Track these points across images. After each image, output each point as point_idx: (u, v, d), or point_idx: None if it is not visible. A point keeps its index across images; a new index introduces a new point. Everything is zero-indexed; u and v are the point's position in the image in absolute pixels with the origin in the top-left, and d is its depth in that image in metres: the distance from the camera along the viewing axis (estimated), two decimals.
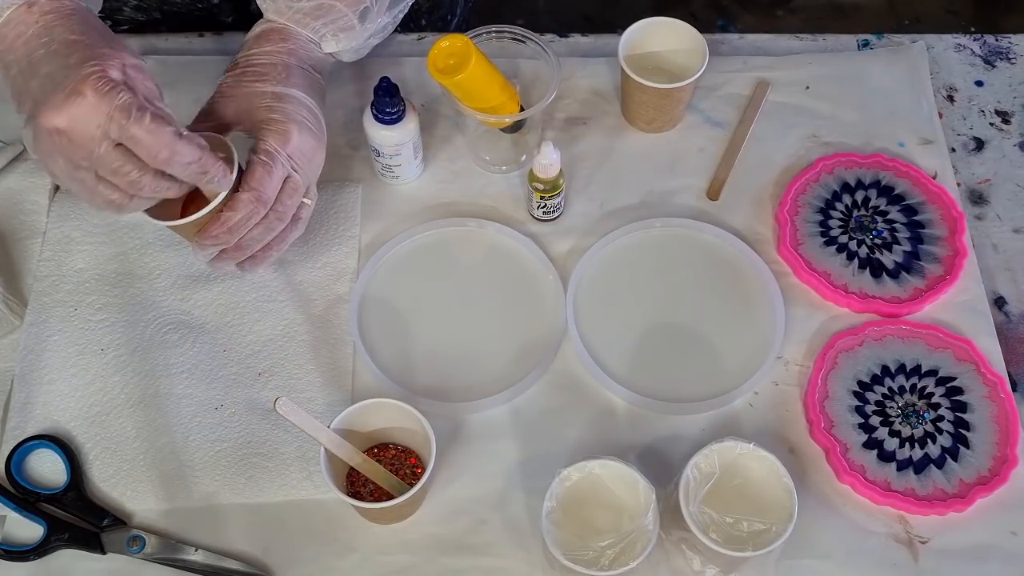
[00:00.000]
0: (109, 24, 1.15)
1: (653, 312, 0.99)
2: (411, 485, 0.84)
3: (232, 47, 1.13)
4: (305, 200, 0.90)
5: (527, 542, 0.88)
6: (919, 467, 0.90)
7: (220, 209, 0.85)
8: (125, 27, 1.16)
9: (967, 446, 0.90)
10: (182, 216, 0.86)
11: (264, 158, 0.85)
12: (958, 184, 1.06)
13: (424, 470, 0.84)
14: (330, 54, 0.96)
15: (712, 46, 1.04)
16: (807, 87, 1.11)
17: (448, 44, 0.94)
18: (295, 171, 0.87)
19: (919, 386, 0.93)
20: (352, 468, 0.87)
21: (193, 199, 0.89)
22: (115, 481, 0.90)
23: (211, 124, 0.89)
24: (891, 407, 0.92)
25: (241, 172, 0.86)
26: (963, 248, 1.00)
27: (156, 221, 0.86)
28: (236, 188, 0.85)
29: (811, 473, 0.91)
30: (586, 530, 0.84)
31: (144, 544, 0.86)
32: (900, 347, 0.95)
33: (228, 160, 0.86)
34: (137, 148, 0.77)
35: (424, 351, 0.97)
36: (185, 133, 0.79)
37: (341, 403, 0.92)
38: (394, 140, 1.00)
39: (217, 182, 0.82)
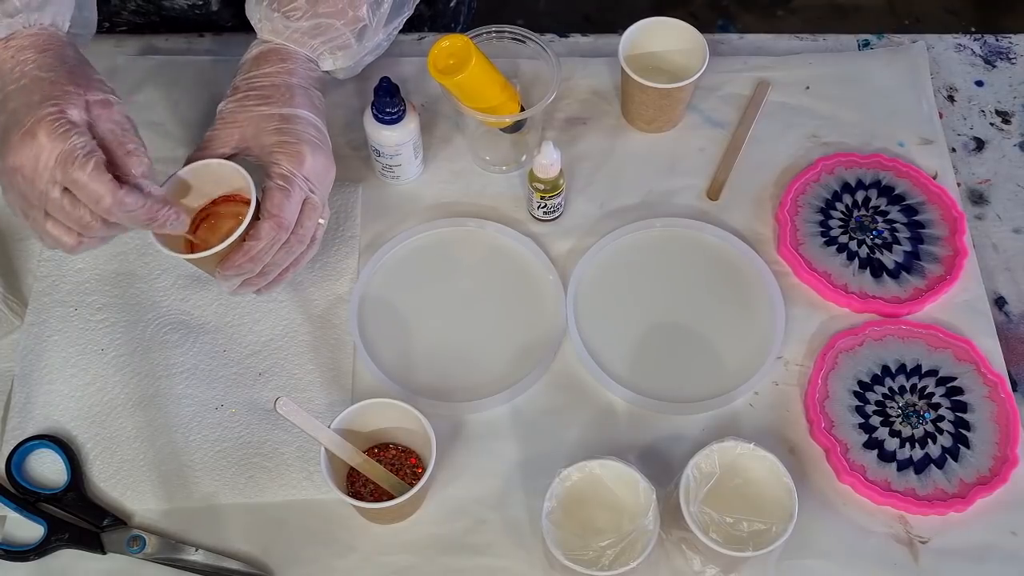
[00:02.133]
0: (107, 27, 1.15)
1: (653, 312, 0.99)
2: (411, 485, 0.84)
3: (232, 48, 1.13)
4: (319, 219, 0.90)
5: (527, 542, 0.88)
6: (919, 467, 0.90)
7: (242, 238, 0.84)
8: (123, 28, 1.15)
9: (967, 446, 0.90)
10: (195, 249, 0.86)
11: (281, 183, 0.85)
12: (958, 184, 1.06)
13: (424, 470, 0.84)
14: (326, 72, 0.95)
15: (712, 46, 1.04)
16: (807, 87, 1.11)
17: (448, 44, 0.94)
18: (312, 192, 0.87)
19: (919, 386, 0.93)
20: (352, 468, 0.87)
21: (202, 226, 0.89)
22: (115, 481, 0.90)
23: (216, 152, 0.88)
24: (891, 407, 0.92)
25: (258, 200, 0.85)
26: (963, 248, 1.00)
27: (172, 254, 0.85)
28: (256, 216, 0.85)
29: (811, 473, 0.91)
30: (586, 530, 0.84)
31: (144, 544, 0.86)
32: (900, 347, 0.95)
33: (246, 188, 0.86)
34: (79, 194, 0.77)
35: (424, 351, 0.97)
36: (138, 180, 0.80)
37: (341, 403, 0.92)
38: (394, 140, 1.00)
39: (171, 226, 0.82)
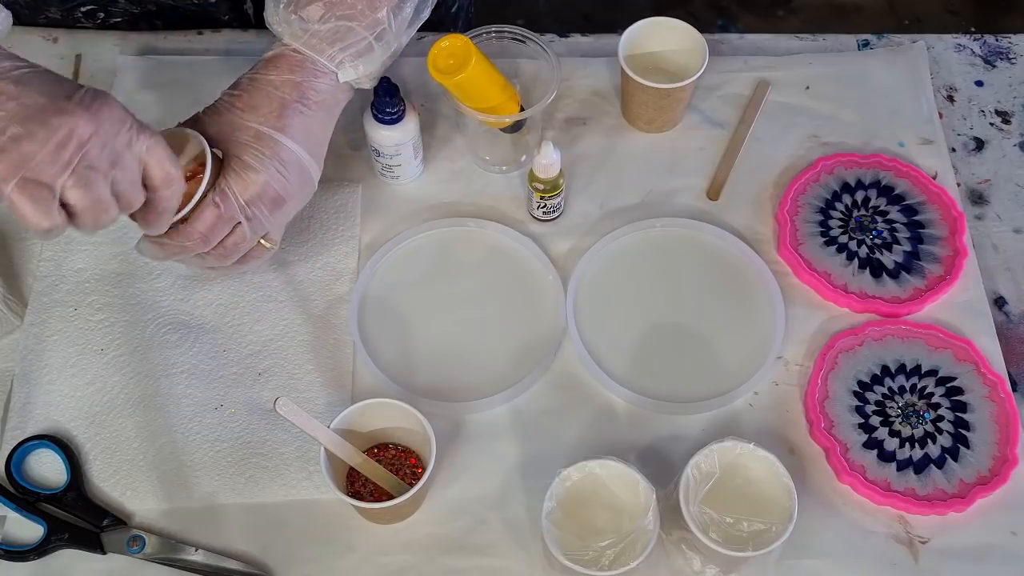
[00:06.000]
0: (102, 16, 1.14)
1: (653, 312, 0.99)
2: (411, 485, 0.84)
3: (233, 47, 1.13)
4: (264, 243, 0.90)
5: (527, 542, 0.88)
6: (919, 467, 0.90)
7: (183, 220, 0.85)
8: (119, 19, 1.15)
9: (967, 446, 0.90)
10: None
11: (218, 199, 0.85)
12: (958, 184, 1.06)
13: (424, 470, 0.84)
14: (347, 85, 0.92)
15: (712, 46, 1.04)
16: (807, 87, 1.11)
17: (448, 44, 0.94)
18: (247, 219, 0.86)
19: (919, 386, 0.93)
20: (352, 468, 0.87)
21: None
22: (115, 481, 0.90)
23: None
24: (891, 407, 0.92)
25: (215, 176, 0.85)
26: (963, 248, 1.00)
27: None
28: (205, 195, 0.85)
29: (811, 473, 0.91)
30: (586, 530, 0.84)
31: (144, 544, 0.87)
32: (900, 347, 0.95)
33: (200, 161, 0.85)
34: (153, 162, 0.78)
35: (424, 351, 0.97)
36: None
37: (341, 403, 0.92)
38: (394, 140, 1.00)
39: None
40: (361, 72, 0.91)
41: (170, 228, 0.85)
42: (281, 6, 0.89)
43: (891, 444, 0.91)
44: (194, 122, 0.89)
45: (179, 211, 0.83)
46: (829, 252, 1.00)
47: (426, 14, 0.96)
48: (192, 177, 0.86)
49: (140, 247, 0.88)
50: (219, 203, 0.85)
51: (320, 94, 0.90)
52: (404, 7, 0.92)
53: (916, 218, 1.02)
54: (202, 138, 0.85)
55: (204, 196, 0.84)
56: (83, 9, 1.13)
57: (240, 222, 0.86)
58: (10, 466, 0.88)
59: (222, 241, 0.87)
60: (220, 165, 0.86)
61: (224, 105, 0.89)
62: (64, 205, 0.74)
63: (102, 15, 1.14)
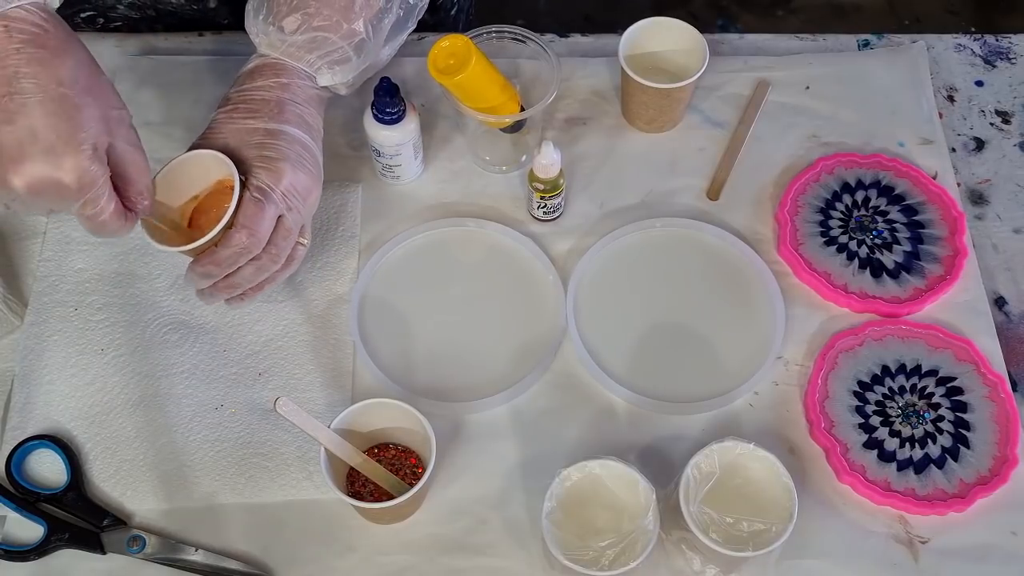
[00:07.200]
0: (102, 22, 1.14)
1: (653, 312, 0.99)
2: (411, 485, 0.84)
3: (232, 48, 1.13)
4: (301, 241, 0.90)
5: (527, 542, 0.88)
6: (919, 467, 0.90)
7: (216, 241, 0.84)
8: (119, 23, 1.15)
9: (967, 446, 0.91)
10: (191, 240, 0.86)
11: (257, 195, 0.84)
12: (958, 184, 1.06)
13: (424, 470, 0.84)
14: (326, 88, 0.93)
15: (712, 46, 1.04)
16: (807, 87, 1.11)
17: (448, 44, 0.94)
18: (289, 211, 0.86)
19: (919, 386, 0.93)
20: (352, 468, 0.87)
21: (202, 218, 0.89)
22: (115, 481, 0.90)
23: None
24: (891, 407, 0.92)
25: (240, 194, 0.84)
26: (963, 248, 1.00)
27: (157, 245, 0.85)
28: (233, 221, 0.84)
29: (811, 473, 0.91)
30: (586, 530, 0.84)
31: (144, 544, 0.87)
32: (900, 347, 0.95)
33: (231, 176, 0.85)
34: (96, 220, 0.78)
35: (424, 351, 0.97)
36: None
37: (341, 403, 0.93)
38: (394, 140, 1.00)
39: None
40: (338, 79, 0.92)
41: (210, 247, 0.84)
42: (260, 17, 0.90)
43: (891, 444, 0.91)
44: (196, 146, 0.88)
45: (212, 230, 0.83)
46: (829, 252, 1.00)
47: (412, 26, 0.96)
48: (193, 199, 0.87)
49: (188, 277, 0.86)
50: (260, 197, 0.84)
51: (306, 92, 0.91)
52: (383, 19, 0.92)
53: (916, 218, 1.02)
54: (224, 156, 0.85)
55: (238, 206, 0.84)
56: (83, 15, 1.14)
57: (283, 214, 0.86)
58: (10, 466, 0.88)
59: (272, 240, 0.86)
60: (243, 185, 0.85)
61: (223, 120, 0.88)
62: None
63: (101, 20, 1.15)
